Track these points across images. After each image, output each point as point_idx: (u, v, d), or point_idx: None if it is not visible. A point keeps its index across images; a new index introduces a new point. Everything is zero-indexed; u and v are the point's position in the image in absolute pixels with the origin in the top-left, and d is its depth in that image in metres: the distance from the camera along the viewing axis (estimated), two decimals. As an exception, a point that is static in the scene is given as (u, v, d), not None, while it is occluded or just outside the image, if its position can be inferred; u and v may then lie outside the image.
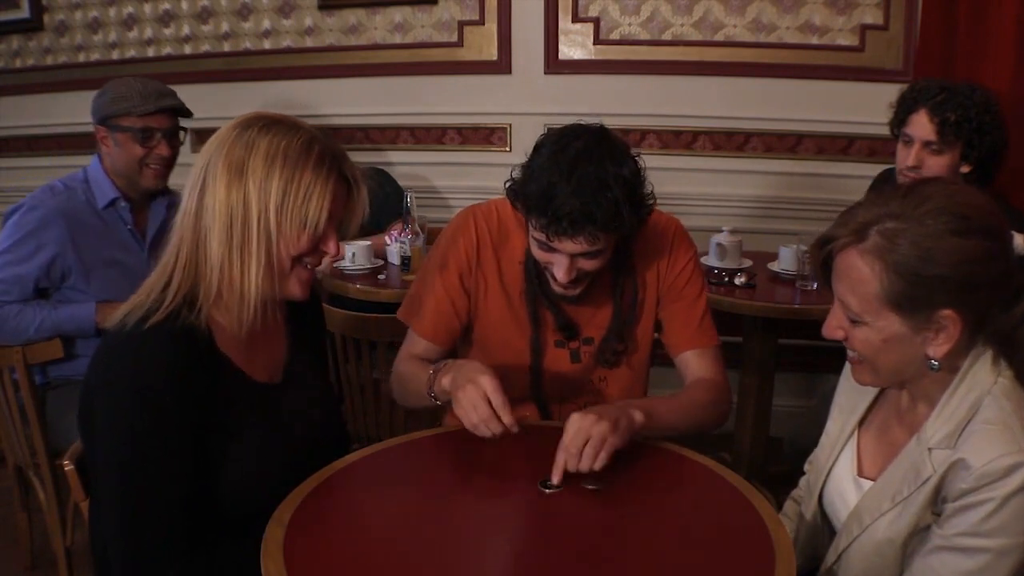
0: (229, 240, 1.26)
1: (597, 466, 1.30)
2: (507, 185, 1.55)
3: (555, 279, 1.54)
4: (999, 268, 1.13)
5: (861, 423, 1.35)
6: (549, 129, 1.52)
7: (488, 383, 1.36)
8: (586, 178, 1.41)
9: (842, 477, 1.34)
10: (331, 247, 1.34)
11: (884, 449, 1.29)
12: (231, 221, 1.25)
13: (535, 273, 1.62)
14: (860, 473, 1.32)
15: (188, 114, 2.29)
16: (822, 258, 1.20)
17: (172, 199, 2.36)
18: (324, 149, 1.29)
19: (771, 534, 1.19)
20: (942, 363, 1.16)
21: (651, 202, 1.52)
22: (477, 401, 1.36)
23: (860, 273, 1.14)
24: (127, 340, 1.23)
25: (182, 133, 2.28)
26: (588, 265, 1.51)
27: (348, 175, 1.33)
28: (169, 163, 2.27)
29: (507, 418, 1.36)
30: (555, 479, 1.31)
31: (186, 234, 1.28)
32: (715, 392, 1.64)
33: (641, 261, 1.66)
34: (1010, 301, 1.15)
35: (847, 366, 1.33)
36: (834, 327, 1.21)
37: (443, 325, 1.68)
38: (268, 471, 1.31)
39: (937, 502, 1.16)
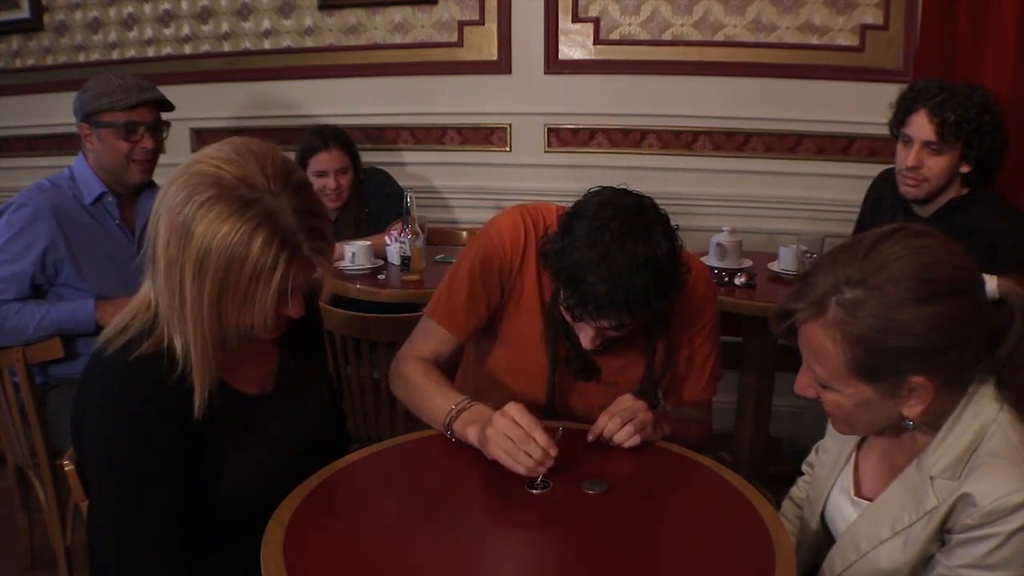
0: (172, 316, 1.20)
1: (627, 444, 1.42)
2: (541, 244, 1.54)
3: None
4: (969, 327, 1.09)
5: (860, 444, 1.33)
6: (590, 191, 1.49)
7: (513, 408, 1.35)
8: (616, 267, 1.38)
9: (841, 497, 1.33)
10: (294, 312, 1.25)
11: (884, 471, 1.27)
12: (171, 300, 1.19)
13: (560, 318, 1.58)
14: (858, 493, 1.30)
15: (170, 107, 2.30)
16: (784, 330, 1.17)
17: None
18: (273, 232, 1.15)
19: (771, 535, 1.19)
20: (918, 421, 1.14)
21: (685, 275, 1.49)
22: (507, 427, 1.33)
23: (823, 346, 1.11)
24: (114, 365, 1.22)
25: (165, 127, 2.29)
26: (612, 334, 1.50)
27: (304, 255, 1.19)
28: (154, 156, 2.28)
29: (541, 437, 1.31)
30: (590, 437, 1.44)
31: (154, 289, 1.23)
32: (704, 433, 1.71)
33: (674, 317, 1.63)
34: (991, 344, 1.12)
35: None
36: (805, 386, 1.20)
37: (474, 323, 1.64)
38: (262, 481, 1.31)
39: (942, 532, 1.14)
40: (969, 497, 1.09)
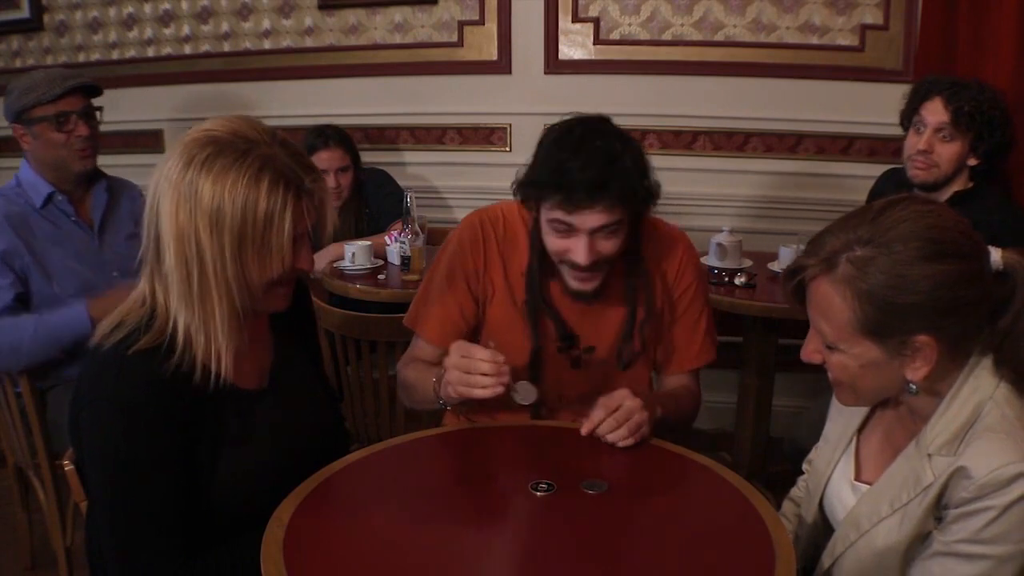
0: (189, 296, 1.21)
1: (621, 445, 1.41)
2: (514, 184, 1.56)
3: (574, 269, 1.54)
4: (974, 290, 1.11)
5: (861, 429, 1.34)
6: (547, 125, 1.55)
7: (452, 347, 1.44)
8: (595, 151, 1.44)
9: (840, 483, 1.34)
10: (306, 263, 1.29)
11: (884, 454, 1.28)
12: (188, 276, 1.20)
13: (538, 283, 1.62)
14: (858, 477, 1.31)
15: (98, 92, 2.26)
16: (793, 287, 1.19)
17: (109, 182, 2.33)
18: (276, 173, 1.20)
19: (771, 534, 1.19)
20: (921, 386, 1.15)
21: (658, 188, 1.55)
22: (455, 364, 1.42)
23: (832, 303, 1.13)
24: (110, 360, 1.22)
25: (98, 113, 2.24)
26: (605, 247, 1.51)
27: (308, 189, 1.24)
28: (93, 143, 2.23)
29: (482, 354, 1.40)
30: (584, 431, 1.43)
31: (155, 279, 1.25)
32: (696, 403, 1.74)
33: (652, 267, 1.66)
34: (993, 315, 1.14)
35: None
36: (811, 352, 1.21)
37: (451, 330, 1.66)
38: (260, 476, 1.31)
39: (938, 508, 1.15)
40: (964, 470, 1.10)
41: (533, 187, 1.50)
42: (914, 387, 1.15)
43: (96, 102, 2.26)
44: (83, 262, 2.20)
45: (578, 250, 1.50)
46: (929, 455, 1.15)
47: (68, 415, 1.29)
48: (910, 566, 1.19)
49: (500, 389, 1.39)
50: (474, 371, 1.40)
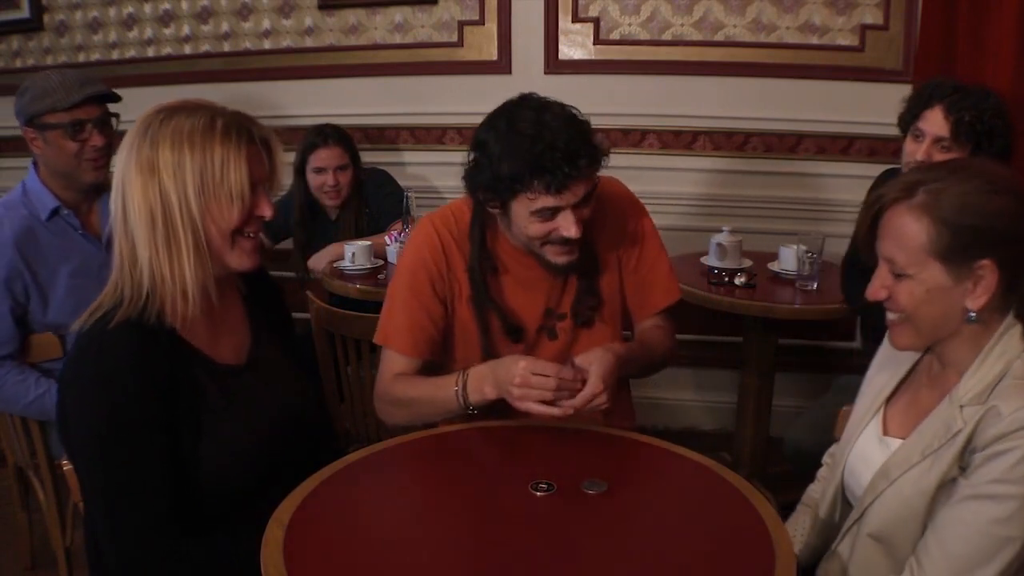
0: (154, 238, 1.27)
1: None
2: (474, 186, 1.55)
3: (563, 244, 1.54)
4: None
5: (889, 399, 1.39)
6: (477, 126, 1.54)
7: (524, 365, 1.42)
8: (554, 125, 1.45)
9: (867, 442, 1.37)
10: (265, 210, 1.34)
11: (913, 412, 1.32)
12: (152, 219, 1.27)
13: (481, 280, 1.63)
14: (886, 434, 1.35)
15: (116, 99, 2.14)
16: (872, 216, 1.28)
17: None
18: (228, 122, 1.30)
19: (771, 534, 1.19)
20: (979, 316, 1.22)
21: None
22: (533, 383, 1.41)
23: (908, 227, 1.23)
24: (90, 337, 1.26)
25: (114, 120, 2.13)
26: (586, 212, 1.53)
27: (259, 137, 1.33)
28: (107, 152, 2.11)
29: (567, 373, 1.42)
30: (579, 402, 1.42)
31: (122, 243, 1.31)
32: (670, 337, 1.75)
33: (596, 224, 1.65)
34: None
35: (880, 353, 1.42)
36: (878, 287, 1.28)
37: (423, 337, 1.65)
38: (240, 450, 1.33)
39: (965, 454, 1.20)
40: (994, 408, 1.17)
41: (510, 183, 1.47)
42: (973, 315, 1.22)
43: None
44: (88, 277, 2.09)
45: (567, 226, 1.50)
46: (961, 406, 1.22)
47: (56, 404, 1.30)
48: (935, 515, 1.21)
49: (571, 411, 1.43)
50: (561, 392, 1.41)
